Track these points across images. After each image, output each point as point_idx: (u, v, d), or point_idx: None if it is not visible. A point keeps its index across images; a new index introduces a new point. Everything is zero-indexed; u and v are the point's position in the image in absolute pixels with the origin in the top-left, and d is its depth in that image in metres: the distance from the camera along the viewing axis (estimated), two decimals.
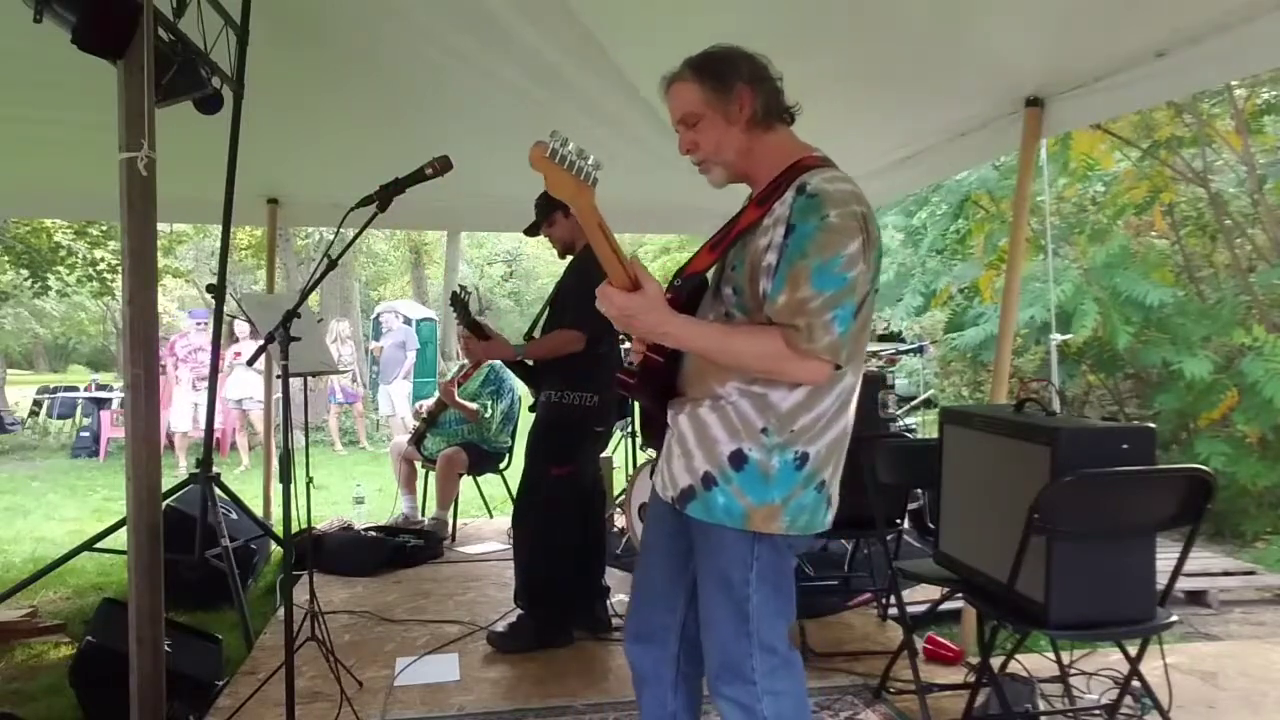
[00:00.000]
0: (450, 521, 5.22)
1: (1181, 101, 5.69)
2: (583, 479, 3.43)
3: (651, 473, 1.89)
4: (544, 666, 3.15)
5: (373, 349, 10.94)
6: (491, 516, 5.90)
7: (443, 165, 2.37)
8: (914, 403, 7.40)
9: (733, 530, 1.65)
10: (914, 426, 6.75)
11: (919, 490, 4.06)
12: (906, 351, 7.91)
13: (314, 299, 7.63)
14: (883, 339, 9.09)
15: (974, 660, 2.66)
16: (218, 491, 3.70)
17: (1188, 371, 5.41)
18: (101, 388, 12.04)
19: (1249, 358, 5.26)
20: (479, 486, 5.75)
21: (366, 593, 4.12)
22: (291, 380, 2.52)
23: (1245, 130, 5.88)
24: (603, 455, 4.15)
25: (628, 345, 3.26)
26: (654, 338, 1.65)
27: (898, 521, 3.39)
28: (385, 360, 10.17)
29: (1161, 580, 2.26)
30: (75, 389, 13.04)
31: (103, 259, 12.11)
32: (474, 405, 5.18)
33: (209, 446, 3.85)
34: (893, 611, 3.42)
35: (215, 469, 3.73)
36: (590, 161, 1.46)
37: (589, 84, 3.29)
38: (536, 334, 3.45)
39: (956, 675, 2.90)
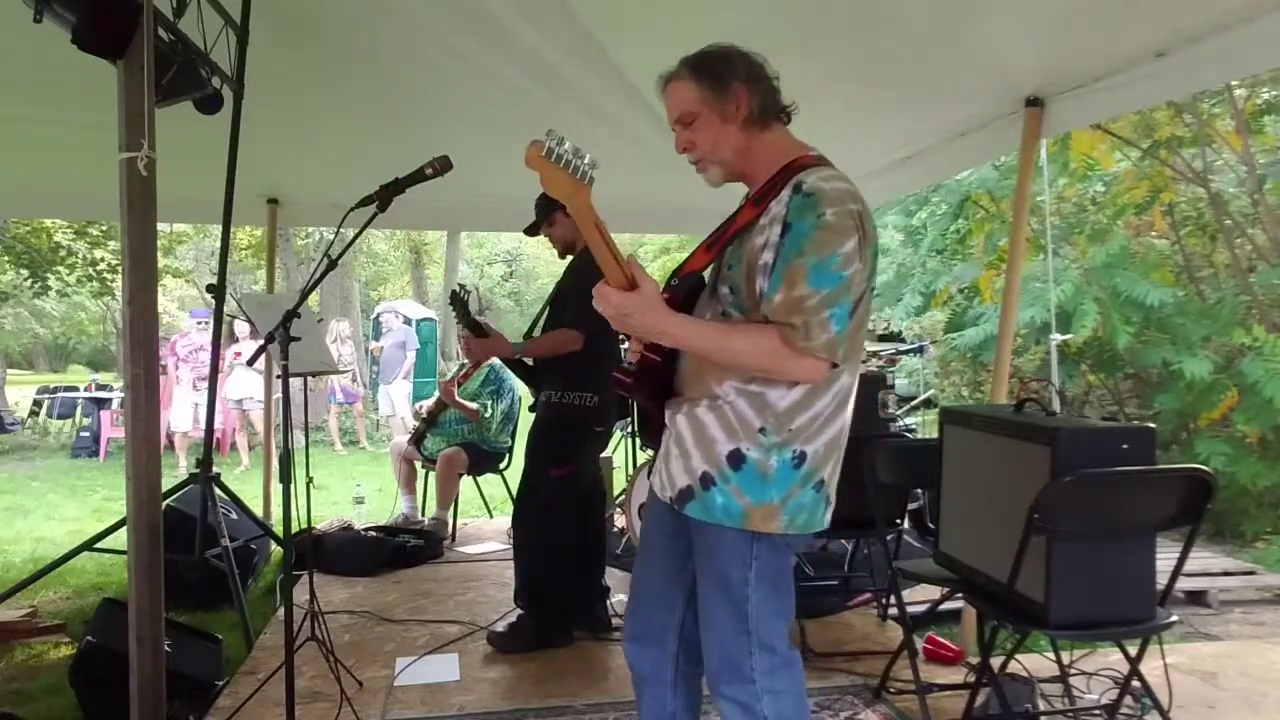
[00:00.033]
0: (450, 521, 5.22)
1: (1181, 101, 5.69)
2: (583, 479, 3.43)
3: (649, 473, 1.89)
4: (544, 666, 3.15)
5: (373, 349, 10.94)
6: (491, 516, 5.90)
7: (443, 165, 2.37)
8: (914, 403, 7.39)
9: (731, 530, 1.65)
10: (914, 426, 6.74)
11: (919, 490, 4.06)
12: (906, 351, 7.91)
13: (314, 299, 7.63)
14: (883, 339, 9.09)
15: (974, 660, 2.66)
16: (218, 491, 3.70)
17: (1188, 371, 5.41)
18: (101, 388, 12.04)
19: (1249, 358, 5.26)
20: (479, 486, 5.76)
21: (366, 593, 4.12)
22: (291, 380, 2.52)
23: (1245, 130, 5.88)
24: (603, 455, 4.15)
25: (628, 345, 3.26)
26: (651, 337, 1.65)
27: (898, 521, 3.39)
28: (385, 360, 10.18)
29: (1161, 580, 2.26)
30: (75, 389, 13.04)
31: (103, 259, 12.12)
32: (474, 405, 5.19)
33: (209, 446, 3.85)
34: (893, 611, 3.42)
35: (215, 469, 3.73)
36: (586, 160, 1.46)
37: (589, 84, 3.29)
38: (537, 334, 3.45)
39: (956, 675, 2.90)
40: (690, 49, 1.72)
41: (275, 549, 4.52)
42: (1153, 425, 2.36)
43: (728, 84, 1.66)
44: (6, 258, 12.35)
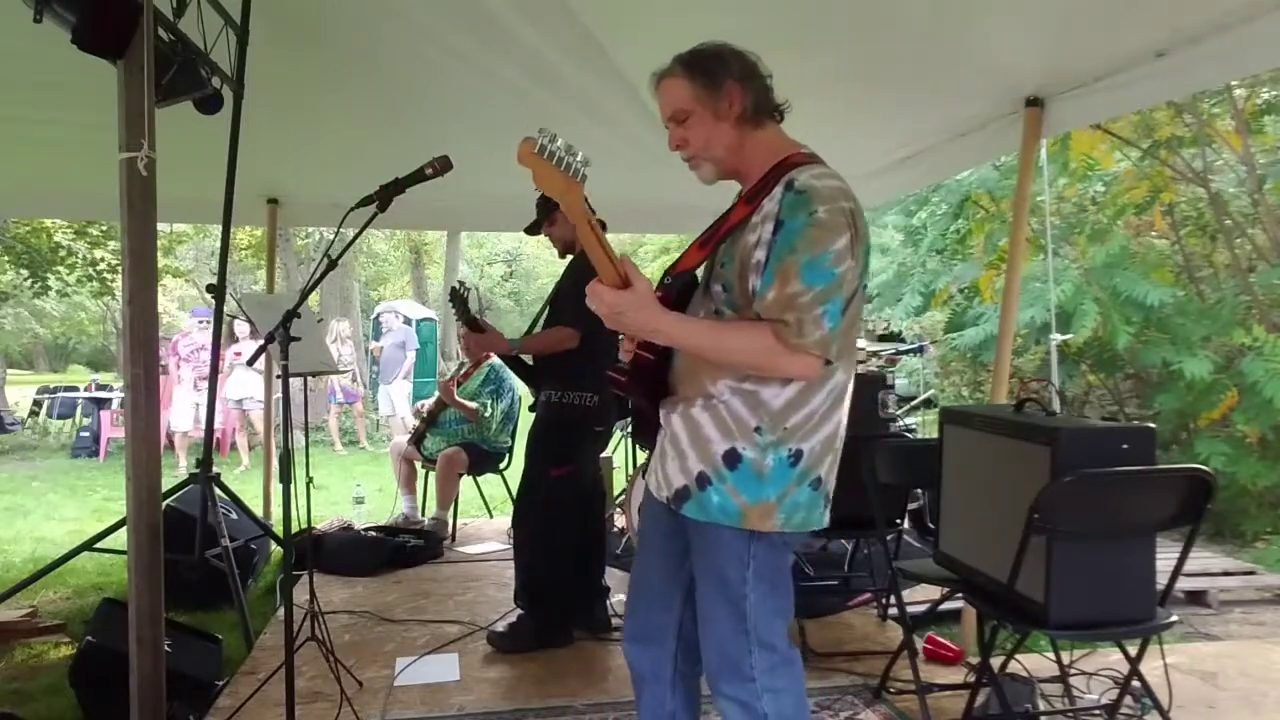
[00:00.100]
0: (450, 521, 5.22)
1: (1181, 101, 5.69)
2: (583, 479, 3.43)
3: (643, 473, 1.89)
4: (544, 666, 3.15)
5: (373, 349, 10.94)
6: (491, 516, 5.90)
7: (443, 165, 2.37)
8: (914, 403, 7.39)
9: (728, 529, 1.65)
10: (914, 426, 6.74)
11: (919, 490, 4.06)
12: (906, 351, 7.91)
13: (314, 299, 7.63)
14: (883, 339, 9.09)
15: (974, 660, 2.66)
16: (218, 491, 3.70)
17: (1188, 371, 5.41)
18: (101, 388, 12.04)
19: (1249, 358, 5.26)
20: (479, 486, 5.75)
21: (366, 593, 4.12)
22: (291, 380, 2.52)
23: (1245, 130, 5.88)
24: (603, 455, 4.15)
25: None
26: (645, 335, 1.66)
27: (898, 521, 3.39)
28: (385, 360, 10.18)
29: (1161, 580, 2.26)
30: (75, 389, 13.04)
31: (103, 259, 12.11)
32: (473, 404, 5.19)
33: (209, 446, 3.85)
34: (893, 611, 3.42)
35: (215, 469, 3.73)
36: (579, 158, 1.45)
37: (589, 84, 3.29)
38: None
39: (956, 675, 2.90)
40: None
41: (275, 549, 4.52)
42: (1153, 425, 2.36)
43: (721, 82, 1.67)
44: (6, 258, 12.34)
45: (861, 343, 5.06)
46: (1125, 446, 2.14)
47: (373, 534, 4.79)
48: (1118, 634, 2.29)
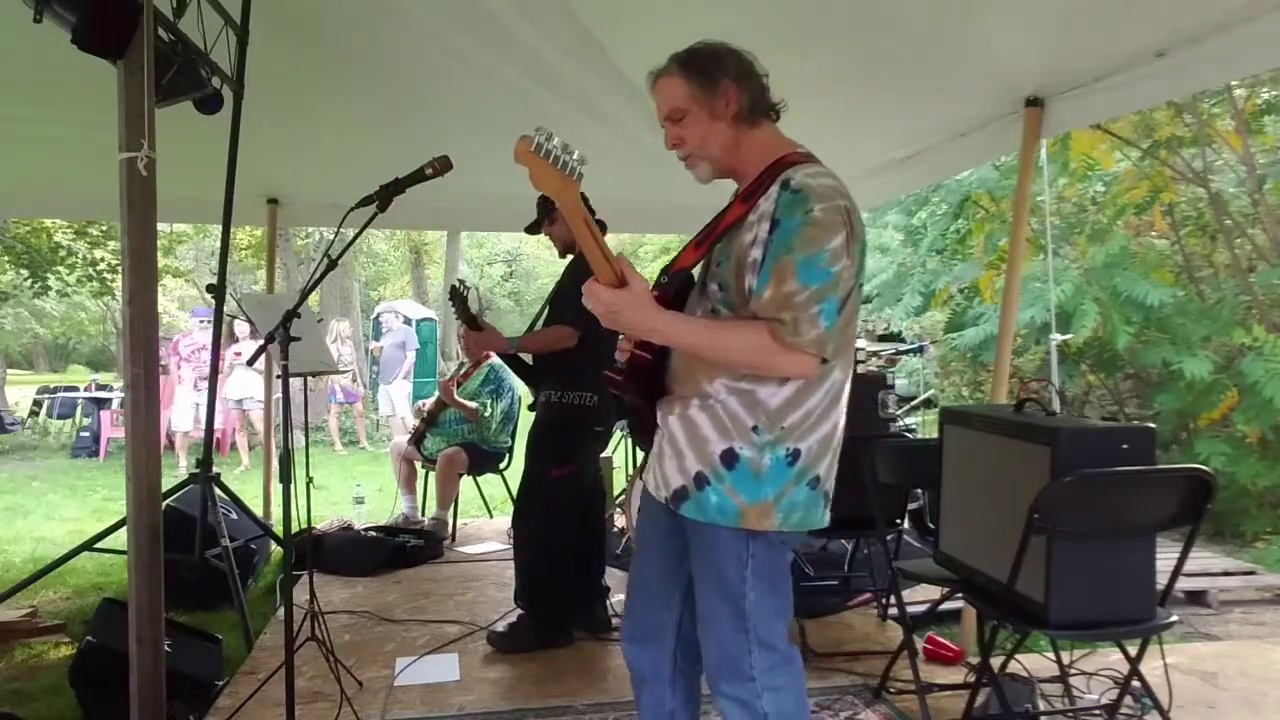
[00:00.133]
0: (450, 521, 5.22)
1: (1181, 101, 5.69)
2: (583, 479, 3.43)
3: (640, 473, 1.90)
4: (544, 666, 3.15)
5: (373, 349, 10.94)
6: (491, 516, 5.90)
7: (443, 165, 2.37)
8: (914, 403, 7.40)
9: (727, 529, 1.65)
10: (914, 426, 6.74)
11: (919, 490, 4.06)
12: (906, 351, 7.91)
13: (314, 299, 7.63)
14: (883, 339, 9.09)
15: (974, 660, 2.66)
16: (218, 491, 3.69)
17: (1188, 371, 5.41)
18: (101, 388, 12.03)
19: (1249, 358, 5.26)
20: (479, 486, 5.75)
21: (366, 593, 4.12)
22: (291, 380, 2.52)
23: (1245, 130, 5.88)
24: (603, 455, 4.14)
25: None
26: (641, 334, 1.66)
27: (898, 521, 3.39)
28: (385, 360, 10.18)
29: (1161, 580, 2.26)
30: (75, 389, 13.03)
31: (103, 259, 12.11)
32: (473, 404, 5.18)
33: (209, 446, 3.85)
34: (893, 611, 3.42)
35: (215, 469, 3.73)
36: (575, 156, 1.45)
37: (589, 84, 3.29)
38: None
39: (956, 675, 2.90)
40: None
41: (275, 549, 4.52)
42: (1153, 425, 2.36)
43: (717, 81, 1.67)
44: (6, 258, 12.34)
45: (861, 342, 5.06)
46: (1125, 446, 2.14)
47: (373, 534, 4.79)
48: (1118, 634, 2.29)
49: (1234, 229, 6.37)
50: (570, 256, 3.40)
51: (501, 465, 5.34)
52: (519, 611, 3.41)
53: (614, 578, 3.73)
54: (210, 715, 2.75)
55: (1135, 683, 2.42)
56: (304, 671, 2.93)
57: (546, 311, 3.46)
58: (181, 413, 8.65)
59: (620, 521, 4.93)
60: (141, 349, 2.16)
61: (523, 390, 4.05)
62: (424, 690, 2.97)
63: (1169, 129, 6.00)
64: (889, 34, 2.79)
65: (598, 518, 3.60)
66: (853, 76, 3.13)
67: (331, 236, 2.54)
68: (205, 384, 8.15)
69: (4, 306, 18.97)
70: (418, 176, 2.36)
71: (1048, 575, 2.12)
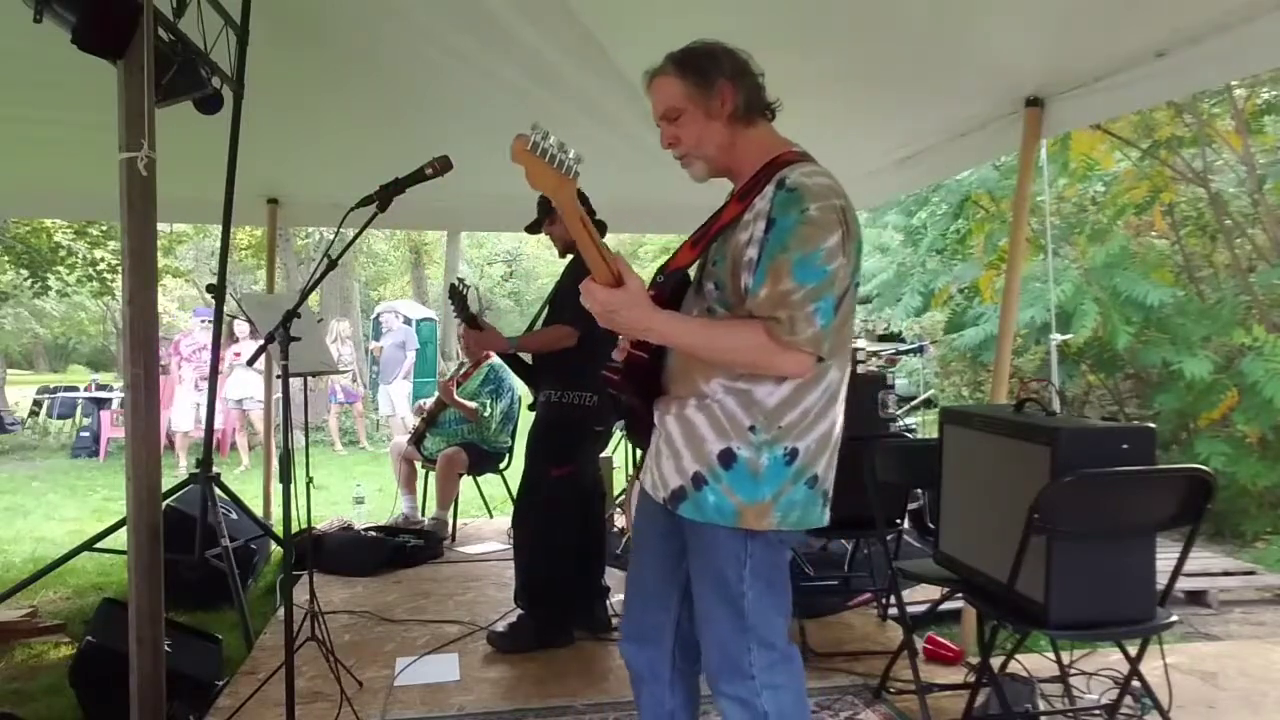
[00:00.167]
0: (450, 521, 5.22)
1: (1181, 101, 5.69)
2: (583, 479, 3.43)
3: (638, 472, 1.90)
4: (544, 666, 3.15)
5: (373, 349, 10.95)
6: (491, 516, 5.90)
7: (443, 165, 2.37)
8: (914, 403, 7.39)
9: (725, 529, 1.65)
10: (914, 426, 6.74)
11: (919, 490, 4.06)
12: (906, 351, 7.91)
13: (314, 299, 7.63)
14: (883, 339, 9.08)
15: (974, 660, 2.66)
16: (218, 491, 3.70)
17: (1188, 371, 5.41)
18: (101, 388, 12.04)
19: (1249, 358, 5.26)
20: (479, 486, 5.75)
21: (366, 593, 4.12)
22: (291, 380, 2.52)
23: (1245, 130, 5.88)
24: (603, 455, 4.14)
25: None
26: (637, 334, 1.66)
27: (898, 521, 3.39)
28: (385, 360, 10.18)
29: (1161, 580, 2.26)
30: (75, 389, 13.03)
31: (103, 259, 12.11)
32: (473, 404, 5.18)
33: (209, 446, 3.85)
34: (893, 611, 3.42)
35: (215, 469, 3.73)
36: (571, 155, 1.46)
37: (589, 84, 3.29)
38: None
39: (956, 675, 2.90)
40: None
41: (275, 549, 4.52)
42: (1153, 425, 2.36)
43: (713, 80, 1.67)
44: (6, 258, 12.34)
45: (861, 342, 5.05)
46: (1125, 446, 2.14)
47: (373, 534, 4.79)
48: (1118, 634, 2.29)
49: (1234, 229, 6.37)
50: (570, 256, 3.40)
51: (501, 465, 5.34)
52: (519, 611, 3.41)
53: (614, 578, 3.73)
54: (210, 715, 2.75)
55: (1135, 683, 2.42)
56: (304, 671, 2.93)
57: (546, 311, 3.46)
58: (182, 413, 8.65)
59: (620, 521, 4.93)
60: (141, 349, 2.16)
61: (523, 390, 4.05)
62: (424, 690, 2.97)
63: (1169, 129, 6.00)
64: (889, 34, 2.79)
65: (598, 518, 3.60)
66: (853, 76, 3.13)
67: (331, 236, 2.54)
68: (205, 384, 8.15)
69: (4, 306, 18.98)
70: (418, 176, 2.36)
71: (1048, 575, 2.12)
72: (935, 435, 2.76)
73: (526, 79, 3.24)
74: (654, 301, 1.59)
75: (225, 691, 2.91)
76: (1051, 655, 2.77)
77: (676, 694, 1.87)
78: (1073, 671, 2.73)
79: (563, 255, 3.46)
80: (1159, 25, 2.59)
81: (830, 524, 1.74)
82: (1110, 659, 2.76)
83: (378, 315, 11.62)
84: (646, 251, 20.39)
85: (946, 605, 3.10)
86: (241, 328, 8.53)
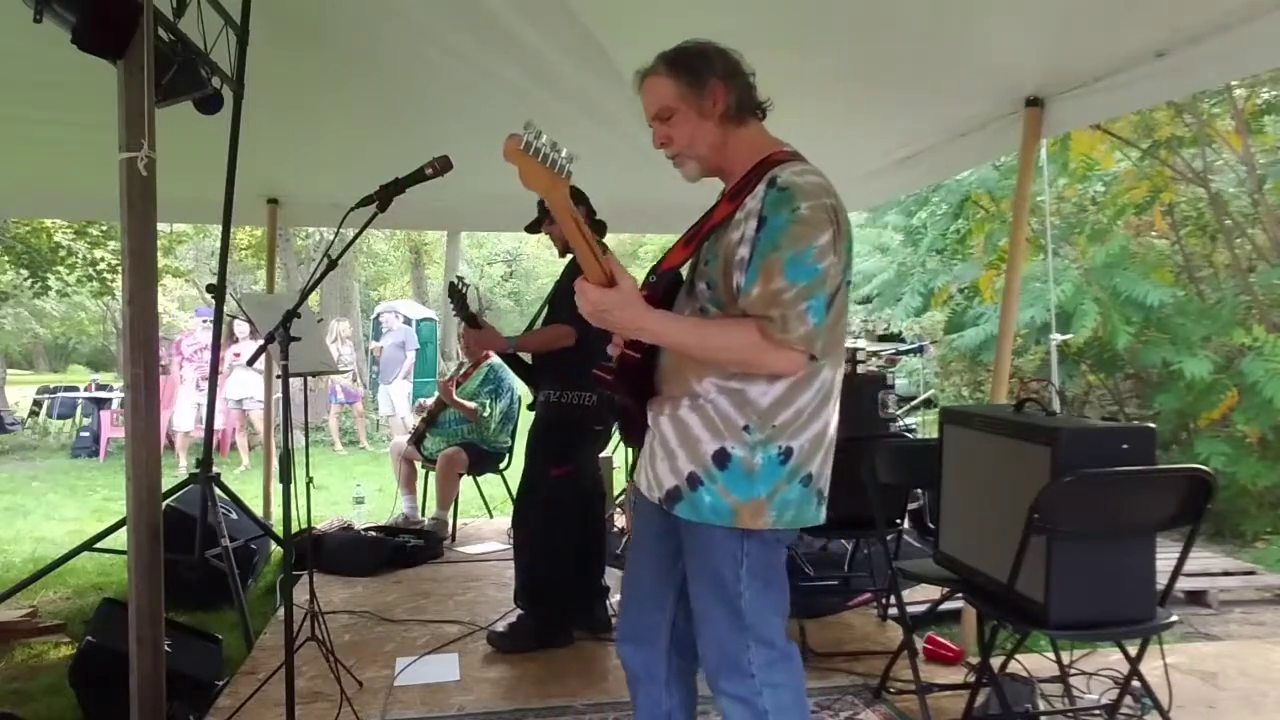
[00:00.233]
0: (450, 521, 5.22)
1: (1181, 101, 5.69)
2: (582, 479, 3.43)
3: (631, 473, 1.90)
4: (544, 666, 3.15)
5: (373, 349, 10.95)
6: (491, 516, 5.90)
7: (443, 165, 2.37)
8: (914, 403, 7.39)
9: (721, 528, 1.65)
10: (914, 426, 6.74)
11: (919, 490, 4.06)
12: (906, 351, 7.91)
13: (314, 299, 7.63)
14: (883, 339, 9.09)
15: (974, 660, 2.66)
16: (218, 491, 3.69)
17: (1188, 371, 5.41)
18: (101, 388, 12.03)
19: (1249, 358, 5.26)
20: (479, 486, 5.75)
21: (366, 593, 4.12)
22: (291, 380, 2.52)
23: (1245, 130, 5.88)
24: (603, 455, 4.14)
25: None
26: (630, 333, 1.67)
27: (898, 521, 3.39)
28: (385, 360, 10.18)
29: (1161, 580, 2.26)
30: (75, 389, 13.03)
31: (103, 259, 12.11)
32: (472, 404, 5.19)
33: (209, 446, 3.85)
34: (893, 611, 3.42)
35: (215, 469, 3.73)
36: (564, 154, 1.46)
37: (589, 84, 3.29)
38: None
39: (956, 675, 2.90)
40: None
41: (275, 549, 4.52)
42: (1153, 425, 2.36)
43: (704, 80, 1.68)
44: (6, 258, 12.34)
45: (861, 342, 5.05)
46: (1125, 446, 2.14)
47: (373, 534, 4.79)
48: (1118, 634, 2.29)
49: (1234, 229, 6.37)
50: (570, 256, 3.40)
51: (501, 465, 5.34)
52: (519, 611, 3.41)
53: (614, 577, 3.72)
54: (210, 715, 2.75)
55: (1135, 683, 2.42)
56: (304, 671, 2.93)
57: (545, 311, 3.46)
58: (183, 413, 8.66)
59: (620, 521, 4.93)
60: (141, 349, 2.16)
61: (522, 390, 4.05)
62: (424, 690, 2.97)
63: (1169, 129, 6.00)
64: (889, 34, 2.78)
65: (597, 517, 3.61)
66: (853, 76, 3.13)
67: (331, 236, 2.54)
68: (206, 384, 8.16)
69: (4, 306, 18.97)
70: (418, 176, 2.36)
71: (1048, 575, 2.12)
72: (935, 435, 2.76)
73: (526, 79, 3.24)
74: (646, 301, 1.60)
75: (225, 691, 2.91)
76: (1051, 655, 2.77)
77: (673, 694, 1.87)
78: (1073, 671, 2.73)
79: (562, 255, 3.46)
80: (1159, 25, 2.59)
81: (830, 524, 1.74)
82: (1110, 659, 2.76)
83: (378, 315, 11.62)
84: (646, 251, 20.37)
85: (946, 605, 3.10)
86: (241, 328, 8.52)
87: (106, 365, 25.50)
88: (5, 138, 3.95)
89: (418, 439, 5.47)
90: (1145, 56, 2.75)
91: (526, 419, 3.76)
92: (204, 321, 9.16)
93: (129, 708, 2.13)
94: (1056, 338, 5.45)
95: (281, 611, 3.08)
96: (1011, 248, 3.41)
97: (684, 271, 1.80)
